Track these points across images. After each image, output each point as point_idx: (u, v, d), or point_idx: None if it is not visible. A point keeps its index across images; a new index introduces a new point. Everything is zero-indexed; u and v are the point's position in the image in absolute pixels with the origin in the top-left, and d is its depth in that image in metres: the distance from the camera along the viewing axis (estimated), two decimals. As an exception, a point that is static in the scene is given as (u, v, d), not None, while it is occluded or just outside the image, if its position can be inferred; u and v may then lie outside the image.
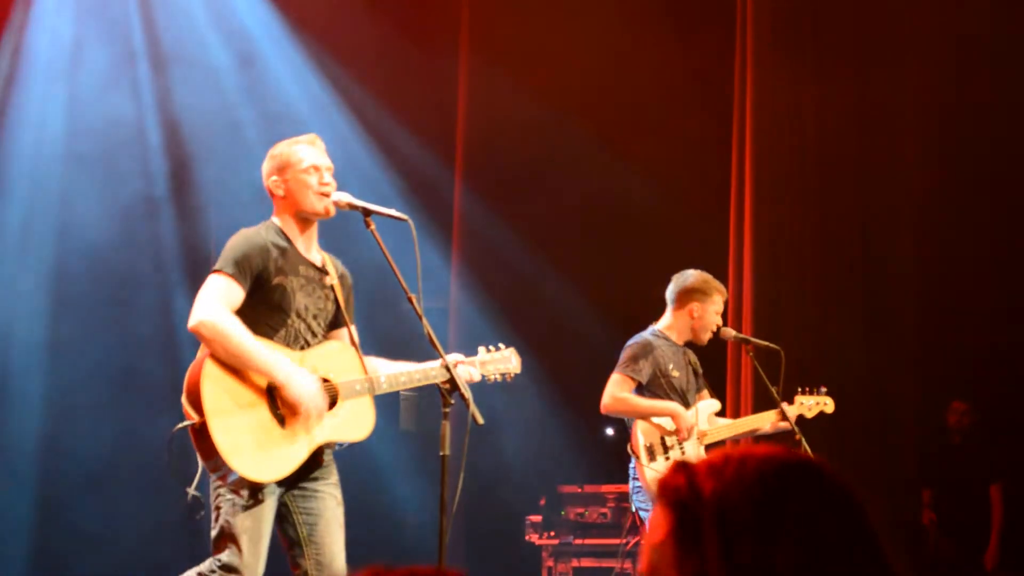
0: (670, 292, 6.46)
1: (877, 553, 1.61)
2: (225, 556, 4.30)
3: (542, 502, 8.19)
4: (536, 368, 8.99)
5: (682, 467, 1.64)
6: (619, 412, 6.28)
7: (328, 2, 9.15)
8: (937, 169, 8.31)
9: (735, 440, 6.47)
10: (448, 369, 4.34)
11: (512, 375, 4.86)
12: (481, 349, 4.83)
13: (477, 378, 4.63)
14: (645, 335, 6.37)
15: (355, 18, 9.10)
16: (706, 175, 8.79)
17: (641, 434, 6.19)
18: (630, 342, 6.35)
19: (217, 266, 4.37)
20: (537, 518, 8.13)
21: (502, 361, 4.84)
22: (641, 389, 6.25)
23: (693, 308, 6.37)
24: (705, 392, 6.50)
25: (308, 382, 4.31)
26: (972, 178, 8.25)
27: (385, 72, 9.30)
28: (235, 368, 4.24)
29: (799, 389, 6.51)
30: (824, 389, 6.51)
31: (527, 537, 8.15)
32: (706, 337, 6.43)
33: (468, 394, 4.26)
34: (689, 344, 6.48)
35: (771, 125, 8.24)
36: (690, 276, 6.42)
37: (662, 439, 6.19)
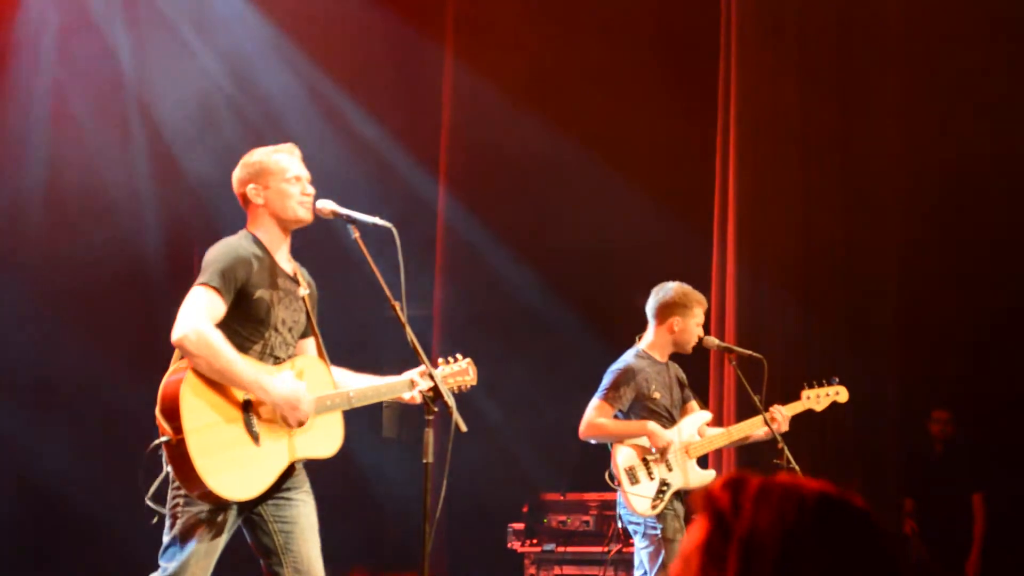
0: (650, 307, 6.40)
1: None
2: (172, 567, 4.26)
3: (524, 509, 8.19)
4: (519, 375, 9.00)
5: (733, 483, 1.64)
6: (595, 439, 6.30)
7: (313, 9, 9.14)
8: (921, 179, 8.33)
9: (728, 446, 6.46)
10: (432, 377, 4.34)
11: (468, 386, 4.87)
12: (440, 361, 4.83)
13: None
14: (628, 359, 6.33)
15: (339, 24, 9.10)
16: (690, 183, 8.80)
17: (623, 457, 6.19)
18: (613, 367, 6.33)
19: (202, 279, 4.30)
20: (519, 525, 8.13)
21: (460, 373, 4.86)
22: (623, 413, 6.25)
23: (674, 322, 6.35)
24: (694, 404, 6.48)
25: (291, 385, 4.30)
26: (957, 188, 8.28)
27: (369, 78, 9.30)
28: (213, 384, 4.20)
29: (805, 384, 6.47)
30: (837, 379, 6.47)
31: (509, 544, 8.14)
32: (690, 347, 6.42)
33: (451, 402, 4.26)
34: (673, 355, 6.48)
35: (755, 134, 8.25)
36: (670, 290, 6.37)
37: (643, 459, 6.19)
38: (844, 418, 7.96)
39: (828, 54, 8.34)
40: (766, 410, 6.22)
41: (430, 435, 4.23)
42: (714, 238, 8.35)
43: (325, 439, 4.46)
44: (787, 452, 6.05)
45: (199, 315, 4.22)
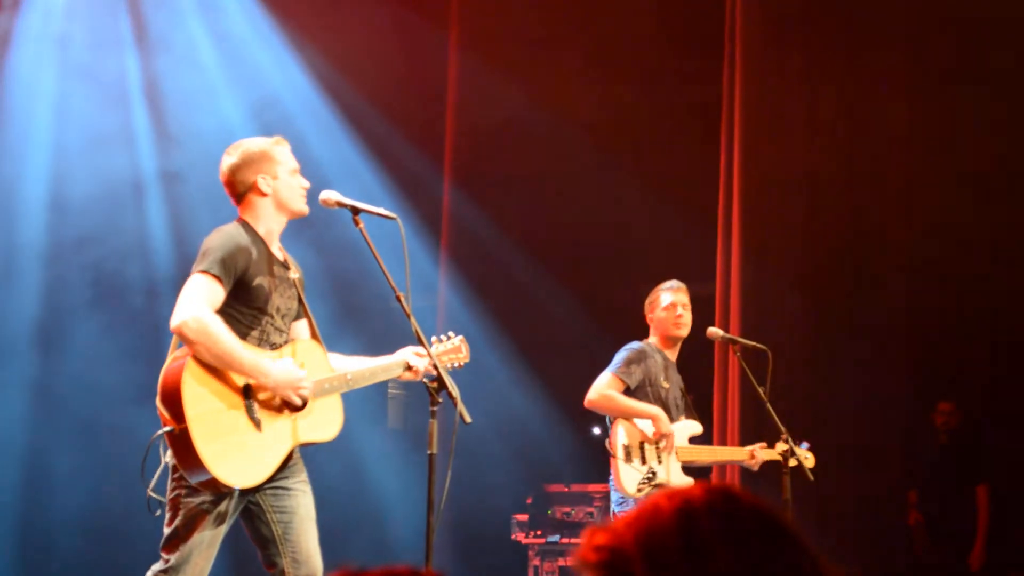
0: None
1: (805, 552, 1.64)
2: (175, 558, 4.25)
3: (528, 501, 8.20)
4: (523, 366, 9.00)
5: (596, 530, 1.65)
6: (602, 408, 6.27)
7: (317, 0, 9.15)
8: (926, 170, 8.31)
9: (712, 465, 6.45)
10: (436, 368, 4.34)
11: (461, 363, 4.90)
12: (433, 339, 4.84)
13: (431, 370, 4.56)
14: (640, 344, 6.39)
15: (344, 15, 9.09)
16: (695, 174, 8.79)
17: (623, 433, 6.19)
18: (627, 346, 6.36)
19: (202, 266, 4.29)
20: (524, 517, 8.14)
21: (453, 351, 4.89)
22: (628, 393, 6.25)
23: (652, 318, 6.45)
24: (690, 414, 6.51)
25: (292, 369, 4.31)
26: (962, 178, 8.26)
27: (374, 69, 9.29)
28: (214, 371, 4.18)
29: (782, 436, 6.33)
30: (807, 444, 6.43)
31: (513, 536, 8.15)
32: (678, 331, 6.41)
33: (456, 392, 4.26)
34: (679, 364, 6.49)
35: (759, 124, 8.25)
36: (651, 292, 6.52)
37: (641, 443, 6.19)
38: (847, 410, 7.97)
39: (833, 41, 8.32)
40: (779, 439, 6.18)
41: (434, 426, 4.22)
42: (719, 229, 8.34)
43: (325, 423, 4.47)
44: (791, 441, 6.05)
45: (198, 302, 4.21)
